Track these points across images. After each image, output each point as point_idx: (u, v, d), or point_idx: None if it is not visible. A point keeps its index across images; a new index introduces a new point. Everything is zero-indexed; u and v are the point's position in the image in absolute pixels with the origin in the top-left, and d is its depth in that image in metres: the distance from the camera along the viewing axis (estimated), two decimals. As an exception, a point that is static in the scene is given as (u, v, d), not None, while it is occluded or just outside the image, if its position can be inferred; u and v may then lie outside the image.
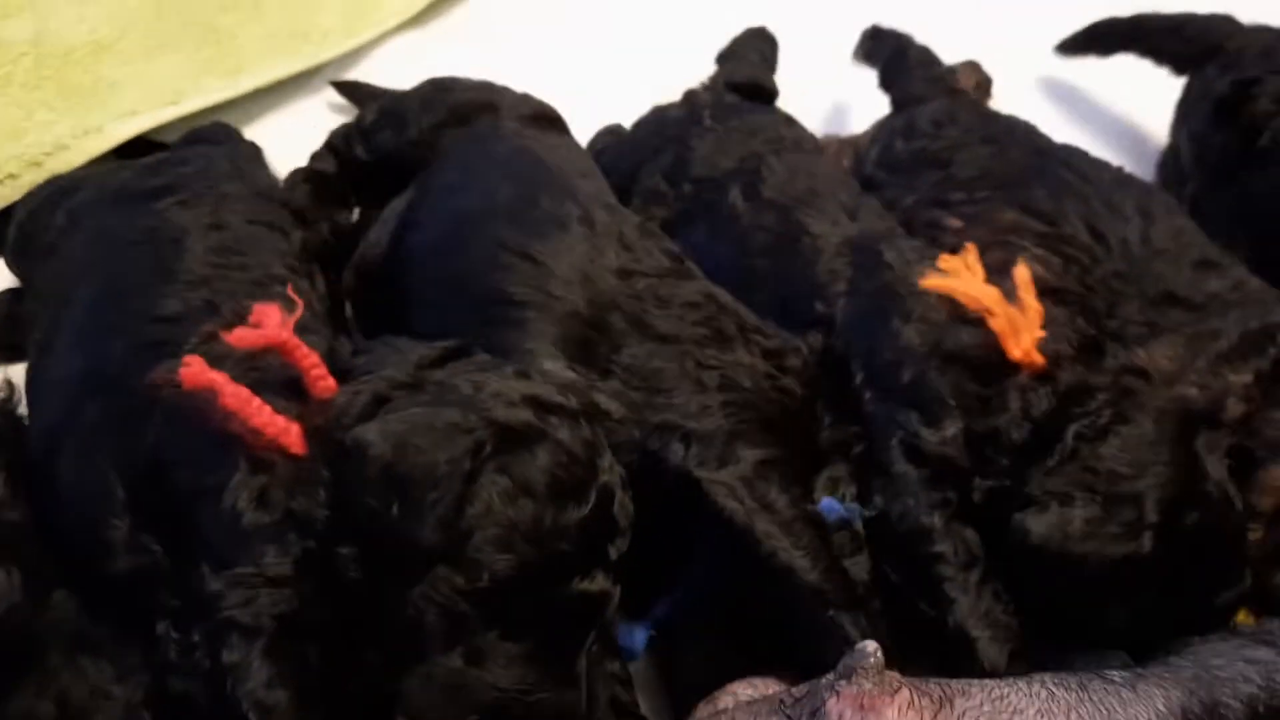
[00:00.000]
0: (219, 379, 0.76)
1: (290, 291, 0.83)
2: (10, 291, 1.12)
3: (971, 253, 0.99)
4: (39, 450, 0.90)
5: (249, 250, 0.98)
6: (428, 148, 1.17)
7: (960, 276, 0.97)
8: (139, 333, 0.89)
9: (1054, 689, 0.71)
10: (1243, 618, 0.88)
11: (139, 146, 1.30)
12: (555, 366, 0.87)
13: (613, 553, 0.75)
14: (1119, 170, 1.19)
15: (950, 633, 0.85)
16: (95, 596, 0.85)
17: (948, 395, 0.93)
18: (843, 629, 0.82)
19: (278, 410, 0.77)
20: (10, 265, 1.11)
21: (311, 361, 0.78)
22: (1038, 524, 0.88)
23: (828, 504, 0.90)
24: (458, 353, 0.82)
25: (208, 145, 1.19)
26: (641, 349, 0.92)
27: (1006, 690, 0.70)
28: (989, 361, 0.94)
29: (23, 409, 0.97)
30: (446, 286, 0.98)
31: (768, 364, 0.95)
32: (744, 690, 0.81)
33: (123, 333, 0.89)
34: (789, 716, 0.69)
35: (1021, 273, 0.97)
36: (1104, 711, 0.68)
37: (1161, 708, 0.69)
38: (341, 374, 0.81)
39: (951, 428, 0.92)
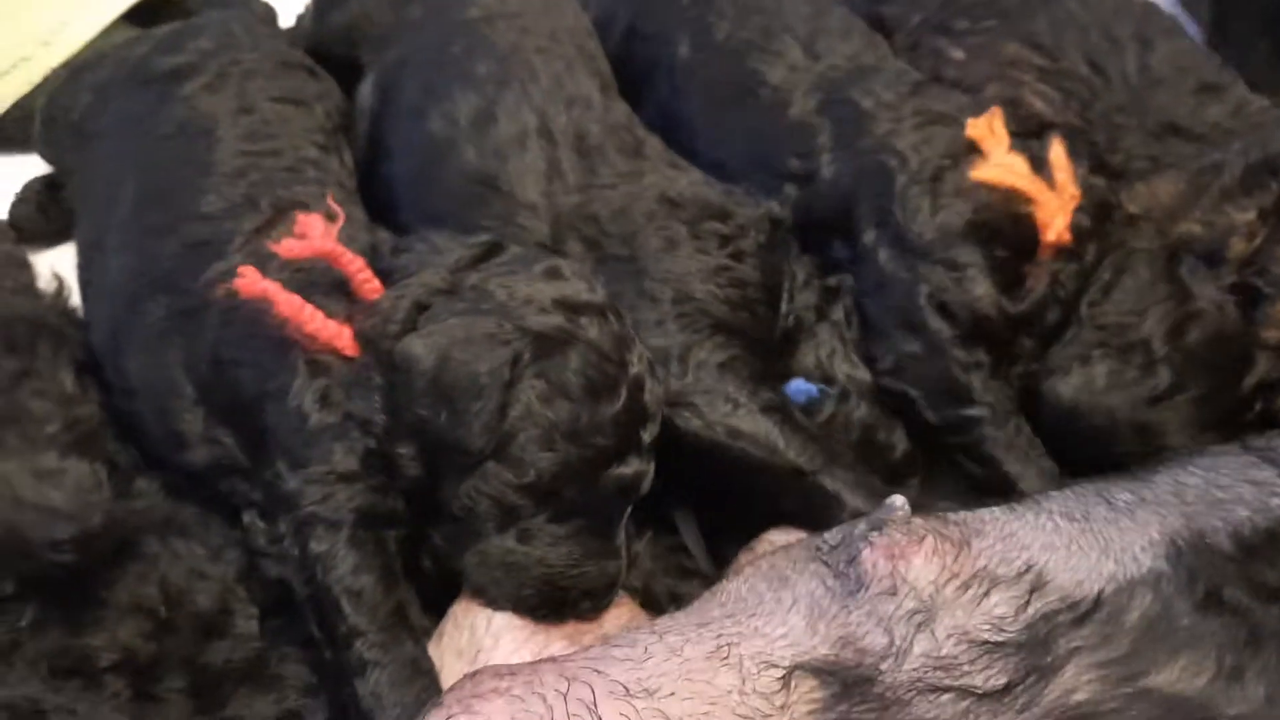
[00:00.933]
0: (272, 288, 0.82)
1: (331, 201, 0.88)
2: (43, 179, 1.16)
3: (997, 116, 1.00)
4: (106, 347, 0.96)
5: (279, 132, 1.02)
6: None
7: (987, 143, 0.99)
8: (186, 232, 0.94)
9: (1059, 520, 0.77)
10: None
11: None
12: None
13: (645, 437, 0.83)
14: None
15: (999, 486, 0.92)
16: (176, 480, 0.94)
17: (977, 254, 0.96)
18: (826, 490, 0.89)
19: (328, 313, 0.83)
20: (42, 153, 1.15)
21: (357, 267, 0.84)
22: (1066, 386, 0.94)
23: (796, 386, 0.95)
24: (490, 251, 0.87)
25: (221, 9, 1.21)
26: (600, 271, 0.95)
27: (1016, 526, 0.77)
28: (1020, 235, 0.97)
29: (74, 300, 1.04)
30: (427, 218, 1.01)
31: (722, 254, 0.97)
32: (780, 536, 0.89)
33: (171, 232, 0.95)
34: (826, 562, 0.76)
35: (1058, 152, 0.98)
36: (1101, 542, 0.75)
37: (1155, 535, 0.75)
38: (384, 274, 0.86)
39: (982, 285, 0.96)
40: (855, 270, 1.01)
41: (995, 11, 1.17)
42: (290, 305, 0.82)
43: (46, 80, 1.18)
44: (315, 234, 0.83)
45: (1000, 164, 0.99)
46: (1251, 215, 1.01)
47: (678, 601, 0.89)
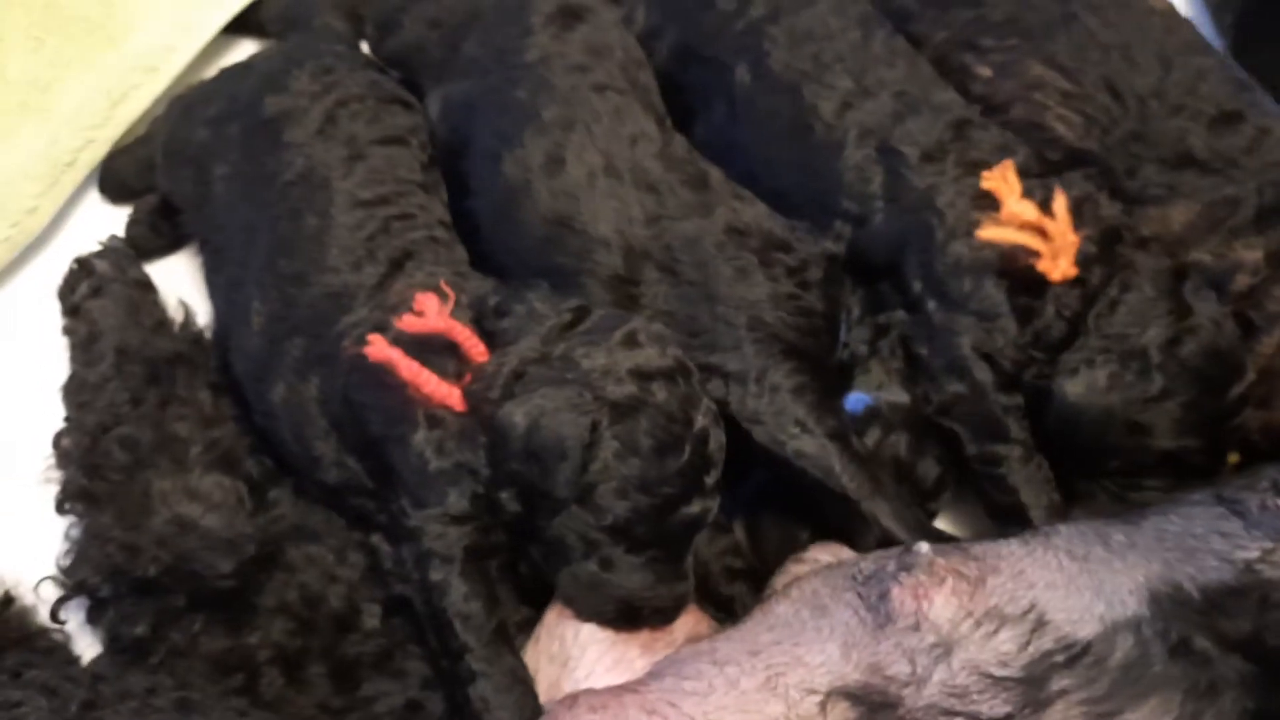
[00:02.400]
0: (395, 355, 0.98)
1: (445, 285, 1.02)
2: (154, 199, 1.28)
3: (1009, 167, 1.11)
4: (249, 374, 1.11)
5: (386, 177, 1.15)
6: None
7: (1001, 192, 1.10)
8: (317, 282, 1.09)
9: (1064, 558, 0.91)
10: (1233, 459, 1.09)
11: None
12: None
13: (709, 481, 0.97)
14: (1141, 4, 1.24)
15: (1013, 510, 1.07)
16: (302, 485, 1.10)
17: (1003, 303, 1.09)
18: (866, 516, 1.04)
19: (441, 372, 0.99)
20: (160, 183, 1.26)
21: (465, 336, 0.99)
22: (1072, 386, 1.07)
23: (855, 398, 1.10)
24: (578, 317, 1.00)
25: (305, 30, 1.33)
26: (675, 296, 1.09)
27: (1027, 563, 0.91)
28: (1033, 280, 1.09)
29: (200, 320, 1.19)
30: (510, 256, 1.14)
31: (790, 283, 1.10)
32: (824, 554, 1.04)
33: (304, 282, 1.09)
34: (860, 594, 0.91)
35: (1060, 204, 1.09)
36: (1095, 583, 0.89)
37: (1141, 579, 0.89)
38: (488, 335, 1.01)
39: (1011, 331, 1.09)
40: (906, 314, 1.13)
41: (1019, 31, 1.24)
42: (410, 370, 0.98)
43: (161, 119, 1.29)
44: (432, 312, 0.99)
45: (1011, 214, 1.10)
46: (1259, 255, 1.13)
47: (726, 604, 1.07)
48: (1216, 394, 1.07)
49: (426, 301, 1.00)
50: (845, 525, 1.06)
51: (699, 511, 0.97)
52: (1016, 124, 1.22)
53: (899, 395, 1.11)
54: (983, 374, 1.09)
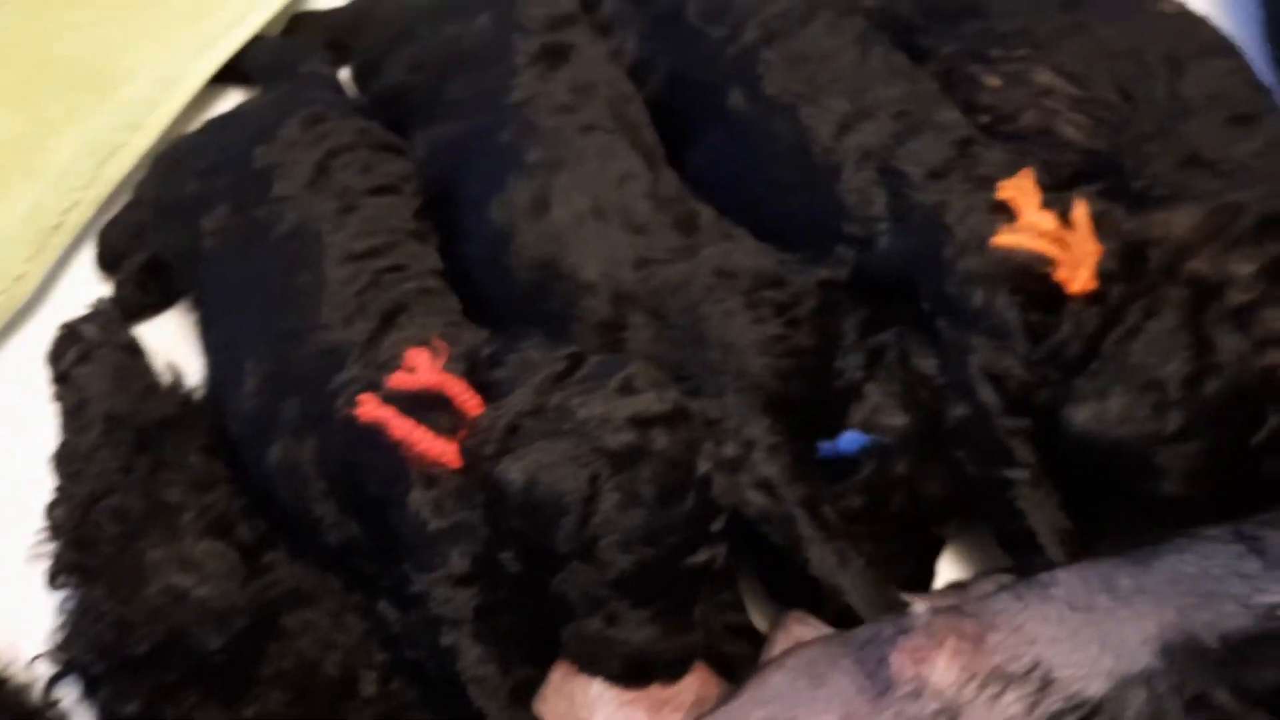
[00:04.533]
0: (387, 414, 0.95)
1: (437, 340, 0.99)
2: (142, 258, 1.25)
3: (1028, 176, 1.06)
4: (245, 436, 1.08)
5: (378, 228, 1.12)
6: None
7: (1019, 202, 1.05)
8: (311, 340, 1.06)
9: (1064, 609, 0.87)
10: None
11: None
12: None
13: (715, 527, 0.93)
14: (1151, 9, 1.21)
15: (1022, 536, 1.01)
16: (297, 546, 1.07)
17: (1014, 321, 1.03)
18: (838, 592, 0.98)
19: (436, 428, 0.95)
20: (150, 236, 1.23)
21: (459, 390, 0.96)
22: (1080, 414, 0.99)
23: (850, 438, 1.04)
24: (573, 365, 0.96)
25: (295, 86, 1.30)
26: (662, 340, 1.05)
27: (1024, 617, 0.87)
28: (1049, 294, 1.02)
29: (192, 379, 1.16)
30: (501, 304, 1.11)
31: (778, 323, 1.05)
32: (802, 630, 0.98)
33: (298, 339, 1.06)
34: (858, 660, 0.88)
35: (1081, 213, 1.04)
36: (1101, 635, 0.84)
37: (1153, 628, 0.84)
38: (482, 387, 0.97)
39: (1021, 352, 1.02)
40: (916, 332, 1.08)
41: (1029, 41, 1.20)
42: (402, 429, 0.94)
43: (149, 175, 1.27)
44: (423, 367, 0.96)
45: (1029, 224, 1.05)
46: (1251, 269, 1.05)
47: (727, 663, 1.01)
48: (1239, 440, 0.99)
49: (417, 357, 0.97)
50: (809, 594, 1.01)
51: (706, 559, 0.93)
52: (1027, 131, 1.19)
53: (897, 417, 1.06)
54: (987, 395, 1.03)
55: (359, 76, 1.32)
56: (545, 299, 1.10)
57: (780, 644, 0.98)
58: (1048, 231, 1.04)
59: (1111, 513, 1.03)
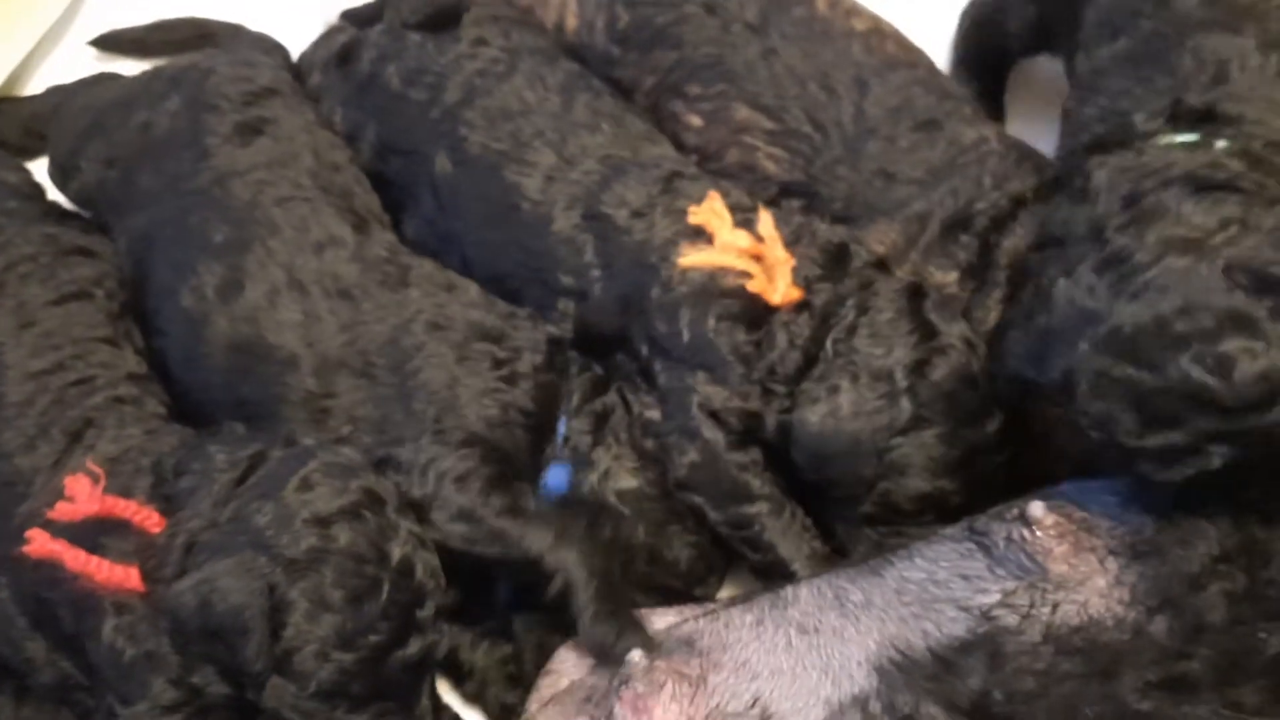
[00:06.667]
0: (59, 549, 0.91)
1: (90, 464, 0.95)
2: None
3: (715, 199, 1.08)
4: None
5: (62, 341, 1.08)
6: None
7: (711, 226, 1.06)
8: None
9: (793, 635, 0.88)
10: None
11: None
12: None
13: (424, 613, 0.91)
14: (839, 29, 1.22)
15: (774, 569, 1.02)
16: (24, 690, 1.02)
17: (726, 351, 1.04)
18: (563, 566, 0.96)
19: (118, 552, 0.91)
20: None
21: (131, 511, 0.92)
22: (812, 414, 1.00)
23: (555, 473, 1.03)
24: (252, 465, 0.94)
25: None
26: (371, 400, 1.04)
27: (749, 653, 0.87)
28: (754, 310, 1.04)
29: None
30: (204, 394, 1.08)
31: (494, 376, 1.04)
32: (570, 655, 0.97)
33: None
34: (592, 716, 0.88)
35: (765, 222, 1.05)
36: (823, 659, 0.85)
37: (873, 646, 0.85)
38: (166, 499, 0.94)
39: (736, 381, 1.03)
40: (640, 382, 1.08)
41: (722, 74, 1.21)
42: (77, 561, 0.91)
43: None
44: (82, 495, 0.92)
45: (723, 244, 1.06)
46: (953, 277, 1.11)
47: (508, 713, 1.02)
48: (974, 425, 1.01)
49: (76, 485, 0.92)
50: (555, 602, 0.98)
51: (419, 650, 0.90)
52: (731, 169, 1.20)
53: (627, 481, 1.05)
54: (712, 433, 1.04)
55: (57, 179, 1.27)
56: (248, 383, 1.07)
57: (535, 704, 0.97)
58: (742, 249, 1.06)
59: (860, 533, 1.03)
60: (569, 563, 0.97)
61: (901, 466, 1.00)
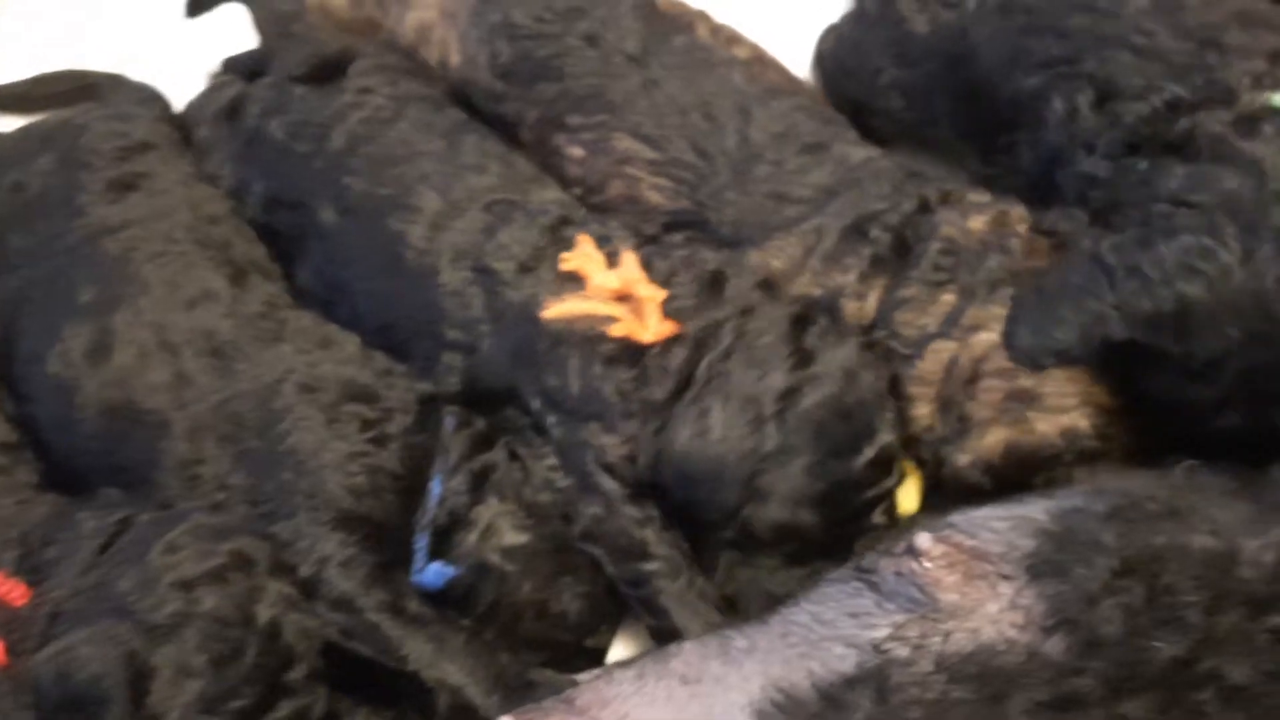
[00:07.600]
0: None
1: None
2: None
3: (587, 243, 1.07)
4: None
5: None
6: None
7: (584, 270, 1.05)
8: None
9: (675, 687, 0.85)
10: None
11: None
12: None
13: (295, 675, 0.88)
14: (721, 57, 1.21)
15: (669, 635, 0.98)
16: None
17: (612, 396, 1.02)
18: (443, 683, 0.95)
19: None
20: None
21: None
22: (680, 434, 0.98)
23: (434, 570, 1.00)
24: (119, 531, 0.92)
25: None
26: (239, 467, 1.01)
27: (629, 707, 0.84)
28: (633, 351, 1.02)
29: None
30: (79, 460, 1.05)
31: (362, 438, 1.02)
32: None
33: None
34: None
35: (628, 262, 1.04)
36: (706, 709, 0.83)
37: (756, 691, 0.82)
38: (35, 569, 0.92)
39: (626, 425, 1.01)
40: (531, 437, 1.06)
41: (603, 105, 1.20)
42: (-65, 642, 0.87)
43: None
44: None
45: (596, 287, 1.05)
46: (853, 277, 1.09)
47: None
48: (843, 458, 0.98)
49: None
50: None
51: (289, 714, 0.88)
52: (615, 201, 1.19)
53: (514, 537, 1.02)
54: (609, 485, 1.02)
55: None
56: (124, 449, 1.04)
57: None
58: (616, 291, 1.04)
59: (736, 572, 1.01)
60: (451, 676, 0.95)
61: (764, 494, 0.97)
